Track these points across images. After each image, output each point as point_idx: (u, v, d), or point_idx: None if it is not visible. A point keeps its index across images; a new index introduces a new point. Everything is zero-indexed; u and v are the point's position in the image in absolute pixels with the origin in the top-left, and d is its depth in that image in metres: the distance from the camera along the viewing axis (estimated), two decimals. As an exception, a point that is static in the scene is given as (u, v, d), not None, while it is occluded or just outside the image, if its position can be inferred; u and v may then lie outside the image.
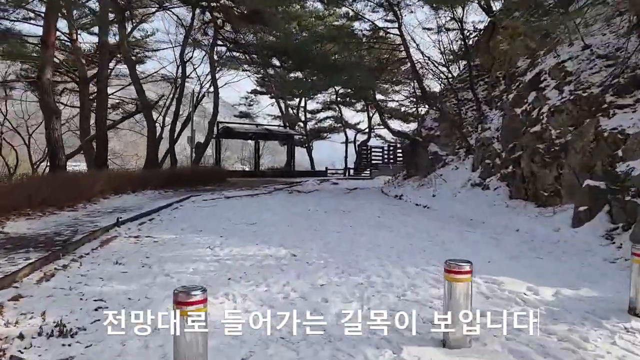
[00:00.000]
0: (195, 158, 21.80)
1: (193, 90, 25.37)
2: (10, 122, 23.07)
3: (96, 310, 4.05)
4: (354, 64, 18.45)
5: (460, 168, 13.21)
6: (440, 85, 19.93)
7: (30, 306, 4.07)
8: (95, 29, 20.99)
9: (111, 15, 20.01)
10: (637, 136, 7.07)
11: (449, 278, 3.33)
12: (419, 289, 4.70)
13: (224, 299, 4.42)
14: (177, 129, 25.07)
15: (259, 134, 30.59)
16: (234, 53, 26.12)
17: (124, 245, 6.89)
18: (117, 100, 25.70)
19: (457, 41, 18.93)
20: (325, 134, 40.23)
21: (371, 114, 36.63)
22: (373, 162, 31.44)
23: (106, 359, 3.14)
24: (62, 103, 24.73)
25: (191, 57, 25.53)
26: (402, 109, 33.30)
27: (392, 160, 30.86)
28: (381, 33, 19.49)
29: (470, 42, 17.17)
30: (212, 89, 24.63)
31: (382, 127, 37.36)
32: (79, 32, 21.69)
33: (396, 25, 16.83)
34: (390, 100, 33.38)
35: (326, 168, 34.80)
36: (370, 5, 18.63)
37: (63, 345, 3.34)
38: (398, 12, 16.72)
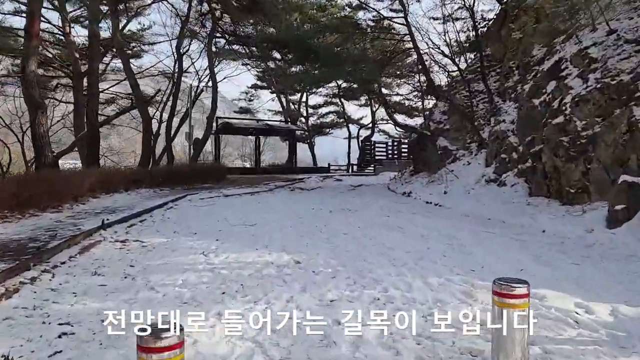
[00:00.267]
0: (193, 154, 21.05)
1: (191, 85, 24.58)
2: (2, 119, 22.32)
3: (59, 337, 3.34)
4: (357, 55, 17.68)
5: (473, 163, 12.46)
6: (446, 77, 19.13)
7: (-22, 333, 3.37)
8: (90, 23, 20.18)
9: (105, 9, 19.32)
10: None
11: (500, 303, 2.60)
12: (447, 305, 3.98)
13: (215, 321, 3.70)
14: (175, 125, 24.33)
15: (259, 130, 29.79)
16: (233, 46, 25.30)
17: (107, 251, 6.18)
18: (112, 96, 24.92)
19: (464, 31, 18.17)
20: (327, 130, 39.42)
21: (375, 109, 35.85)
22: (377, 157, 30.64)
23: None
24: (56, 99, 24.07)
25: (188, 49, 24.75)
26: (406, 103, 32.53)
27: (396, 156, 30.07)
28: (386, 23, 18.68)
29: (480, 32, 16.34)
30: (210, 83, 23.86)
31: (385, 122, 36.67)
32: (72, 25, 20.93)
33: (402, 14, 16.04)
34: (394, 94, 32.57)
35: (329, 164, 34.04)
36: (375, -7, 17.86)
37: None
38: (404, 0, 15.93)
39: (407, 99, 32.17)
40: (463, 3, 14.91)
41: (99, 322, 3.65)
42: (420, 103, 26.06)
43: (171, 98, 23.30)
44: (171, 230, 7.80)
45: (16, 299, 4.13)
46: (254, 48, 24.74)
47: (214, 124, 24.61)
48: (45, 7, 17.07)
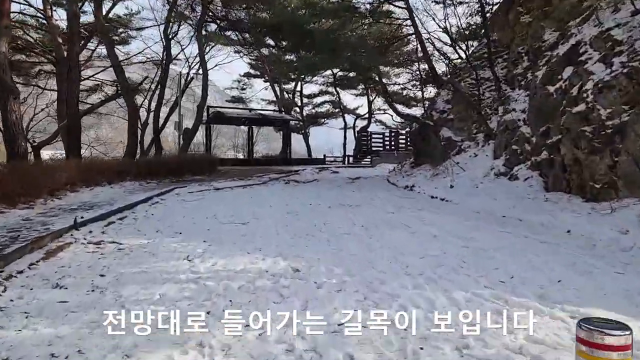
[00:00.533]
0: (183, 145, 20.12)
1: (180, 73, 23.57)
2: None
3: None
4: (356, 42, 16.81)
5: (480, 155, 11.71)
6: (448, 65, 18.34)
7: None
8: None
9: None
10: None
11: (589, 356, 1.84)
12: (483, 332, 3.22)
13: (196, 354, 2.94)
14: (165, 114, 23.35)
15: (252, 119, 28.84)
16: (225, 32, 24.25)
17: (77, 256, 5.37)
18: (98, 83, 23.85)
19: (467, 16, 17.34)
20: (322, 120, 38.54)
21: (372, 98, 34.97)
22: (374, 149, 29.83)
23: None
24: (39, 86, 23.00)
25: (177, 34, 23.68)
26: (404, 92, 31.67)
27: (394, 147, 29.29)
28: (385, 7, 17.78)
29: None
30: (201, 70, 22.85)
31: (383, 112, 35.83)
32: (54, 8, 19.82)
33: (403, -3, 15.19)
34: (392, 84, 31.68)
35: (324, 155, 33.23)
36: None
37: None
38: (405, -19, 15.06)
39: (405, 88, 31.33)
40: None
41: (48, 357, 2.88)
42: (419, 92, 25.28)
43: (159, 86, 22.30)
44: (154, 229, 7.00)
45: (-52, 324, 3.33)
46: (246, 34, 23.73)
47: (205, 114, 23.64)
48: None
